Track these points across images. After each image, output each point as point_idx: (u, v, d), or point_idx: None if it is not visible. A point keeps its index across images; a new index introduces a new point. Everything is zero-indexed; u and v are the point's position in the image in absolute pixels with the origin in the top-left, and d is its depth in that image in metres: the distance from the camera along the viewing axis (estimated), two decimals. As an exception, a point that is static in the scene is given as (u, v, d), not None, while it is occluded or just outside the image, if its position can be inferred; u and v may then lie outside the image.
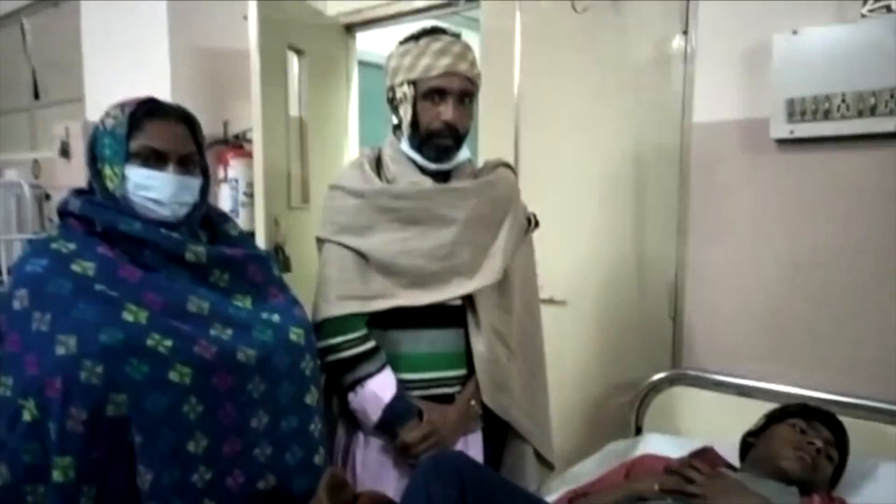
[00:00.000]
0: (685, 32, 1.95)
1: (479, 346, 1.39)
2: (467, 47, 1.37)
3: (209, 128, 1.28)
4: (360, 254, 1.38)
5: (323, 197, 1.47)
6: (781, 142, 1.77)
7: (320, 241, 1.45)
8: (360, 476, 1.40)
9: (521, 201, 1.53)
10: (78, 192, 1.21)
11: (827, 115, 1.66)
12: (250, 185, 2.71)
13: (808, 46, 1.68)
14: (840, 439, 1.46)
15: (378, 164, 1.45)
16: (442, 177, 1.41)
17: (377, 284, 1.38)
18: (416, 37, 1.36)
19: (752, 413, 1.58)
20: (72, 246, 1.14)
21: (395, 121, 1.44)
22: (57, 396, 1.02)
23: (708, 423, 1.85)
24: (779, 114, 1.73)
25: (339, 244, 1.39)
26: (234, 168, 2.78)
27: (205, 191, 1.26)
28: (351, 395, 1.37)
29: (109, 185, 1.18)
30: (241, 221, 2.61)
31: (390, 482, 1.38)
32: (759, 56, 1.79)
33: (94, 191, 1.20)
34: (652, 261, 2.06)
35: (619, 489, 1.37)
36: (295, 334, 1.25)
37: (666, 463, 1.44)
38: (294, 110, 2.65)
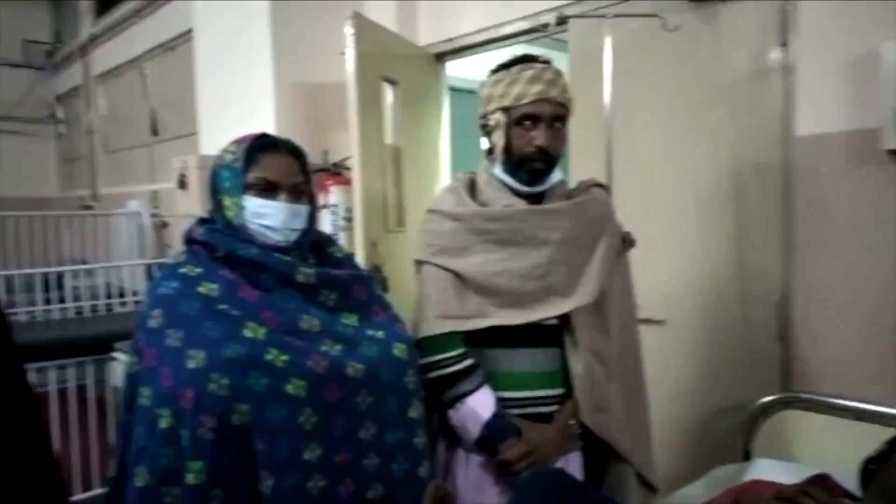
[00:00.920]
0: (784, 44, 1.91)
1: (577, 365, 1.41)
2: (558, 73, 1.40)
3: (310, 157, 1.38)
4: (457, 274, 1.43)
5: (421, 221, 1.53)
6: (893, 153, 1.69)
7: (419, 263, 1.50)
8: (461, 492, 1.43)
9: (616, 220, 1.53)
10: (202, 221, 1.32)
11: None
12: (349, 210, 2.83)
13: (920, 53, 1.61)
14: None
15: (472, 189, 1.49)
16: (535, 199, 1.44)
17: (474, 304, 1.42)
18: (507, 65, 1.41)
19: (870, 438, 1.49)
20: (198, 270, 1.25)
21: (487, 146, 1.49)
22: (189, 406, 1.11)
23: (821, 448, 1.76)
24: (890, 124, 1.66)
25: (438, 266, 1.44)
26: (334, 194, 2.92)
27: (312, 217, 1.34)
28: (451, 412, 1.41)
29: (229, 213, 1.28)
30: (341, 244, 2.74)
31: (491, 499, 1.40)
32: (867, 65, 1.72)
33: (215, 220, 1.31)
34: (755, 279, 2.00)
35: (728, 515, 1.33)
36: (399, 350, 1.31)
37: (778, 490, 1.38)
38: (389, 138, 2.76)
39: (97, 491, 3.00)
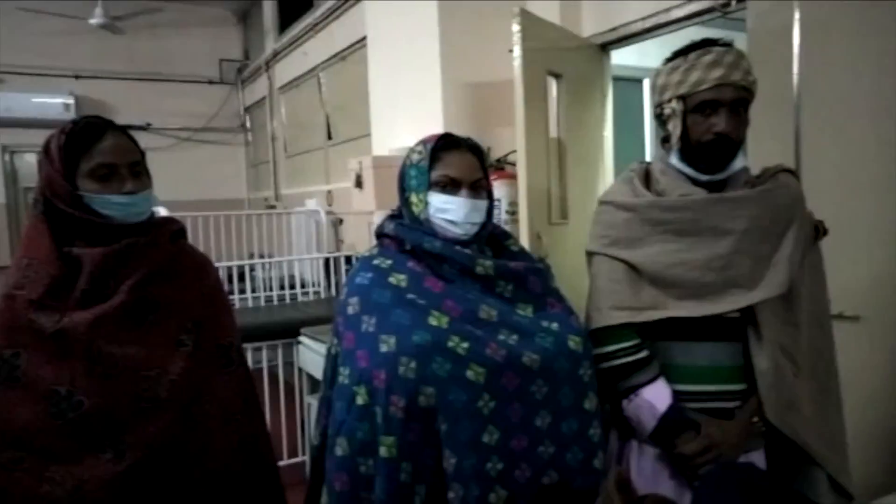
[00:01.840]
0: None
1: (761, 361, 1.34)
2: (740, 55, 1.33)
3: (480, 154, 1.43)
4: (631, 266, 1.41)
5: (594, 212, 1.54)
6: None
7: (591, 255, 1.50)
8: (634, 482, 1.42)
9: (807, 208, 1.44)
10: (391, 217, 1.43)
11: None
12: (512, 203, 2.89)
13: None
14: None
15: (647, 179, 1.47)
16: (716, 187, 1.39)
17: (648, 295, 1.40)
18: (684, 51, 1.36)
19: None
20: (388, 262, 1.35)
21: (662, 135, 1.46)
22: (382, 386, 1.21)
23: None
24: None
25: (610, 257, 1.44)
26: (497, 189, 2.98)
27: (490, 211, 1.40)
28: (625, 403, 1.40)
29: (415, 210, 1.37)
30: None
31: (666, 492, 1.38)
32: None
33: (403, 215, 1.41)
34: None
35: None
36: (573, 342, 1.32)
37: None
38: (553, 132, 2.77)
39: (289, 461, 3.32)
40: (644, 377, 1.38)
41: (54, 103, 6.70)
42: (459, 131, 1.45)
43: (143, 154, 1.33)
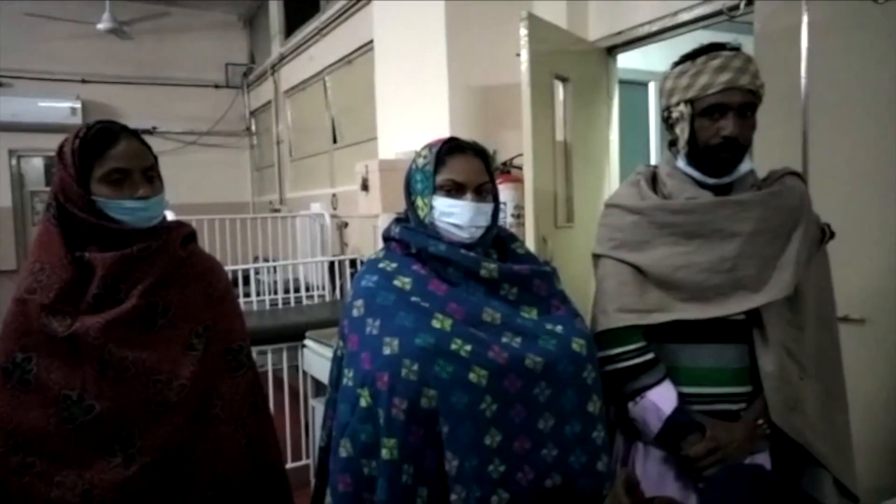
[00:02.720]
0: None
1: (766, 363, 1.35)
2: (748, 60, 1.34)
3: (484, 157, 1.44)
4: (637, 268, 1.42)
5: (598, 215, 1.55)
6: None
7: (597, 257, 1.51)
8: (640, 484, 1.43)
9: (813, 211, 1.44)
10: (397, 220, 1.44)
11: None
12: (517, 207, 2.89)
13: None
14: None
15: (654, 182, 1.48)
16: (723, 190, 1.40)
17: (655, 298, 1.41)
18: (692, 55, 1.38)
19: None
20: (394, 265, 1.36)
21: (670, 138, 1.47)
22: (385, 388, 1.21)
23: None
24: None
25: (617, 259, 1.45)
26: (502, 192, 2.95)
27: (495, 215, 1.41)
28: (630, 405, 1.41)
29: (420, 213, 1.38)
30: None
31: (671, 494, 1.38)
32: None
33: (409, 219, 1.42)
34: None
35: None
36: (577, 345, 1.33)
37: None
38: (559, 135, 2.79)
39: (293, 464, 3.33)
40: (650, 379, 1.39)
41: (61, 107, 6.74)
42: (466, 135, 1.46)
43: (156, 159, 1.35)
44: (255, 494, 1.38)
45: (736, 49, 1.36)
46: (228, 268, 4.47)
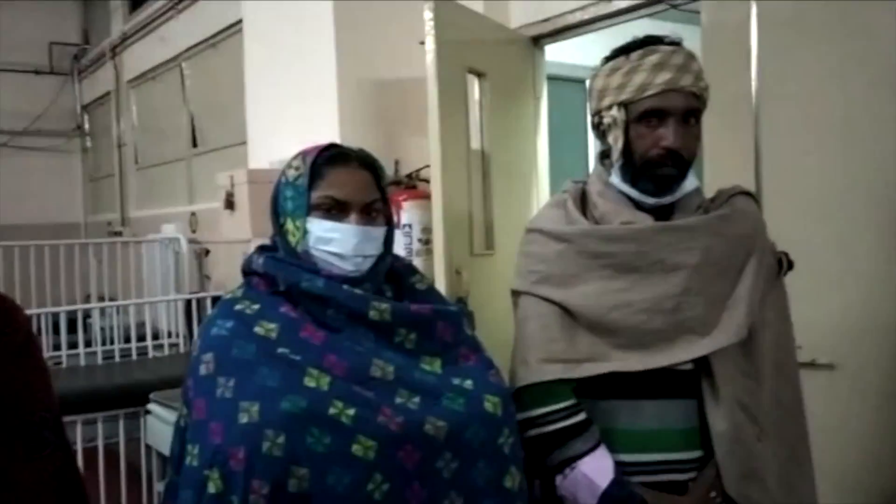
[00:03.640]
0: None
1: (718, 422, 1.38)
2: (690, 56, 1.40)
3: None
4: (565, 309, 1.44)
5: (519, 242, 1.56)
6: None
7: (516, 294, 1.52)
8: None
9: (768, 238, 1.51)
10: (262, 249, 1.40)
11: None
12: (426, 230, 2.90)
13: None
14: None
15: (584, 202, 1.50)
16: (663, 213, 1.44)
17: (586, 345, 1.42)
18: (625, 50, 1.42)
19: None
20: (256, 307, 1.32)
21: (601, 148, 1.50)
22: (240, 468, 1.16)
23: None
24: None
25: (540, 297, 1.46)
26: (408, 212, 3.00)
27: (389, 241, 1.39)
28: (559, 479, 1.41)
29: (291, 239, 1.34)
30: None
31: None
32: None
33: (277, 247, 1.38)
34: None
35: None
36: (491, 404, 1.32)
37: None
38: (475, 142, 2.82)
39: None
40: (582, 446, 1.40)
41: None
42: (360, 140, 1.45)
43: None
44: None
45: (676, 44, 1.41)
46: (48, 310, 4.29)
